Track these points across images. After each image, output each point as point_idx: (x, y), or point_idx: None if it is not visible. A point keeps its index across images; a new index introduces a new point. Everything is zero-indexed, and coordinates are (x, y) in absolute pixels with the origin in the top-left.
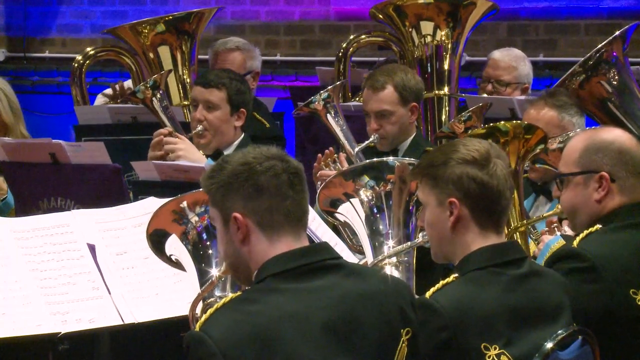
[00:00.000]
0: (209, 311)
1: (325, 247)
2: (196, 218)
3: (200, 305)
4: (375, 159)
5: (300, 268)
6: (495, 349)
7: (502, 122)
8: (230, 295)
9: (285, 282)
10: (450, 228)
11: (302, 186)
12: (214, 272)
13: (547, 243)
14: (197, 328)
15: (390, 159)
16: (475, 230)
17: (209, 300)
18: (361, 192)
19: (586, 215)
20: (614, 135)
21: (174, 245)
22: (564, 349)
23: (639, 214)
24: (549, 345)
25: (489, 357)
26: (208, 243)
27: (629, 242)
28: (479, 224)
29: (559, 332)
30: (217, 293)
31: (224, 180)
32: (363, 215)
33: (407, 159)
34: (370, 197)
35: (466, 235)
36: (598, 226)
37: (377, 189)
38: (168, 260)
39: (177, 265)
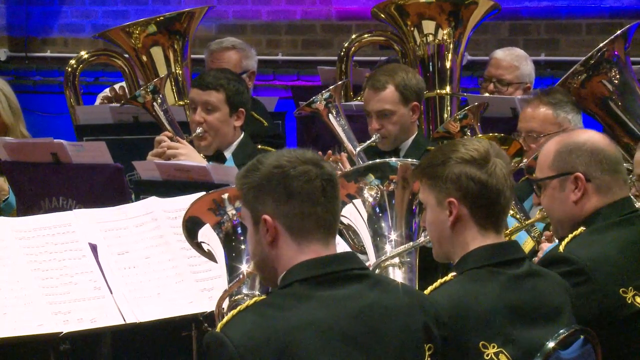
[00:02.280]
0: (232, 312)
1: (352, 256)
2: (233, 211)
3: (227, 301)
4: (378, 160)
5: (327, 276)
6: (493, 347)
7: (479, 135)
8: (255, 298)
9: (310, 289)
10: (450, 227)
11: (334, 192)
12: (244, 268)
13: (545, 251)
14: (218, 329)
15: (393, 159)
16: (475, 229)
17: (236, 297)
18: (364, 192)
19: (566, 218)
20: (586, 136)
21: (207, 235)
22: (565, 349)
23: (619, 212)
24: (551, 344)
25: (487, 355)
26: (242, 238)
27: (614, 241)
28: (478, 223)
29: (561, 331)
30: (245, 290)
31: (256, 182)
32: (365, 216)
33: (409, 159)
34: (373, 197)
35: (465, 235)
36: (582, 228)
37: (381, 187)
38: (199, 247)
39: (209, 255)
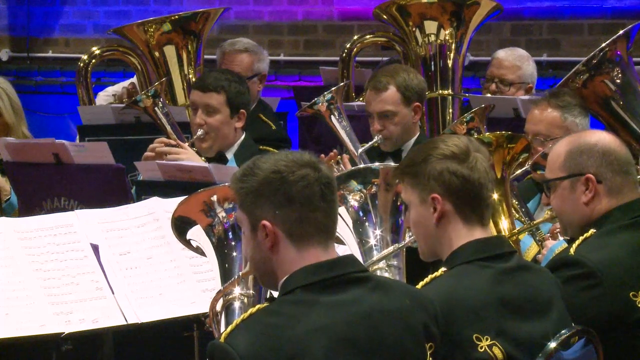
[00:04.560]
0: (235, 322)
1: (352, 259)
2: (224, 214)
3: (220, 301)
4: (361, 166)
5: (328, 281)
6: (487, 339)
7: (487, 134)
8: (258, 305)
9: (313, 295)
10: (435, 224)
11: (332, 196)
12: (237, 270)
13: (550, 248)
14: (222, 339)
15: (375, 164)
16: (460, 224)
17: (230, 297)
18: (348, 198)
19: (576, 219)
20: (597, 137)
21: (197, 235)
22: (567, 349)
23: (630, 215)
24: (553, 345)
25: (481, 347)
26: (233, 244)
27: (625, 244)
28: (463, 219)
29: (563, 332)
30: (239, 290)
31: (254, 187)
32: (351, 223)
33: (391, 163)
34: (357, 201)
35: (451, 231)
36: (592, 231)
37: (364, 191)
38: (187, 243)
39: (197, 250)
